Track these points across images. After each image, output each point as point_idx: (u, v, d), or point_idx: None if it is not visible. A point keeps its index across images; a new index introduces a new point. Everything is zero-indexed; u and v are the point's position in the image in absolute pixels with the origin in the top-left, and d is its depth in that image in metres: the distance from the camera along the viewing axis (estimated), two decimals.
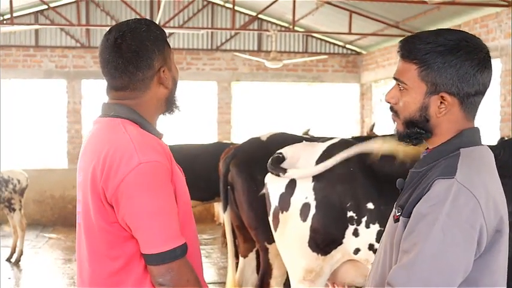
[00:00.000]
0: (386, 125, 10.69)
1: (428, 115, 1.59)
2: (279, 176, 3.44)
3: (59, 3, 10.77)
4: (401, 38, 1.68)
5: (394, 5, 8.70)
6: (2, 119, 10.61)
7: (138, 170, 1.69)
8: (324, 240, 3.34)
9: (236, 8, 10.04)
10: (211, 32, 11.52)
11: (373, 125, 9.19)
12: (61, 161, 11.19)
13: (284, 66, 10.73)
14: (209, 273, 6.90)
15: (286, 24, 11.42)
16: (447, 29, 1.63)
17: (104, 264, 1.79)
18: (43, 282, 6.83)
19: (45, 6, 10.16)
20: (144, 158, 1.71)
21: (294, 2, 9.09)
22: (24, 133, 11.18)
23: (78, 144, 10.50)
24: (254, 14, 10.87)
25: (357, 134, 11.52)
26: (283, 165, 3.50)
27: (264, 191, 3.69)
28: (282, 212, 3.47)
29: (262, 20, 11.44)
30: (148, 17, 10.74)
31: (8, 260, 7.63)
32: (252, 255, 4.55)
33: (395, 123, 1.67)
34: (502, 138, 6.16)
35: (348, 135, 4.23)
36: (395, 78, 1.66)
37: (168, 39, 1.93)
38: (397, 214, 1.62)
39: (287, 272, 3.69)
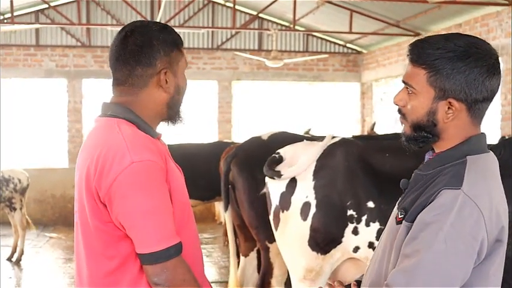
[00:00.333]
0: (386, 124, 10.70)
1: (436, 120, 1.61)
2: (273, 179, 3.46)
3: (60, 2, 10.76)
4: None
5: (395, 4, 8.69)
6: (2, 119, 10.61)
7: (130, 169, 1.69)
8: (324, 239, 3.34)
9: (237, 7, 10.04)
10: (212, 31, 11.51)
11: (374, 124, 9.19)
12: (62, 160, 11.19)
13: (285, 66, 10.73)
14: (210, 273, 6.90)
15: (287, 24, 11.41)
16: (457, 33, 1.63)
17: (100, 263, 1.79)
18: (44, 281, 6.83)
19: (46, 5, 10.17)
20: (137, 157, 1.71)
21: (295, 1, 9.09)
22: (25, 132, 11.18)
23: (79, 143, 10.50)
24: (255, 13, 10.87)
25: (358, 133, 11.52)
26: (283, 165, 3.50)
27: (264, 190, 3.69)
28: (283, 211, 3.47)
29: (262, 19, 11.44)
30: (148, 16, 10.77)
31: (9, 259, 7.63)
32: (253, 255, 4.56)
33: (403, 125, 1.69)
34: (502, 137, 6.15)
35: (348, 135, 4.23)
36: (404, 82, 1.66)
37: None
38: (400, 216, 1.64)
39: (288, 271, 3.70)
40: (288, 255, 3.53)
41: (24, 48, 10.96)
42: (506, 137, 5.38)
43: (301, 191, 3.39)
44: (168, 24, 2.57)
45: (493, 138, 6.48)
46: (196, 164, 7.17)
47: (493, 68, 1.58)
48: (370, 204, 3.27)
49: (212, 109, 11.65)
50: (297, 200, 3.40)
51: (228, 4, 11.32)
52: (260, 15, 10.47)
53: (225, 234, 7.47)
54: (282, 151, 3.59)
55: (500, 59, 1.64)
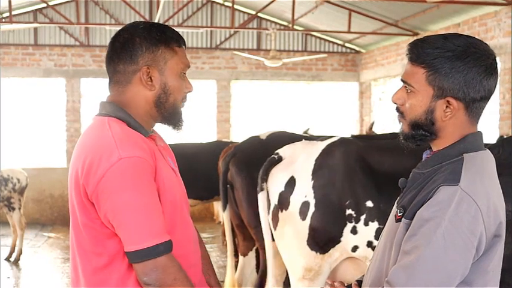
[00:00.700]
0: (385, 123, 10.70)
1: (434, 118, 1.62)
2: (262, 190, 3.53)
3: (58, 1, 10.75)
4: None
5: (394, 4, 8.70)
6: (1, 118, 10.60)
7: (118, 166, 1.68)
8: (323, 238, 3.34)
9: (235, 6, 10.04)
10: (211, 31, 11.51)
11: (372, 124, 9.21)
12: (60, 159, 11.18)
13: (283, 65, 10.73)
14: None
15: (286, 23, 11.41)
16: (455, 33, 1.65)
17: (90, 259, 1.78)
18: (42, 281, 6.83)
19: (44, 5, 10.16)
20: (125, 154, 1.69)
21: (294, 0, 9.09)
22: (24, 132, 11.17)
23: None
24: (253, 12, 10.87)
25: (356, 132, 11.53)
26: (281, 165, 3.51)
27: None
28: (282, 211, 3.47)
29: (261, 18, 11.44)
30: (147, 16, 10.76)
31: (7, 259, 7.63)
32: (252, 254, 4.56)
33: (401, 124, 1.70)
34: (501, 137, 6.15)
35: (347, 134, 4.23)
36: (402, 81, 1.68)
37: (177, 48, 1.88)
38: (399, 214, 1.65)
39: (287, 271, 3.70)
40: (287, 255, 3.53)
41: (22, 47, 10.95)
42: (505, 136, 5.38)
43: (300, 190, 3.39)
44: (167, 23, 2.56)
45: (491, 138, 6.48)
46: (195, 164, 7.17)
47: (490, 68, 1.61)
48: (369, 203, 3.27)
49: (211, 109, 11.64)
50: (296, 200, 3.40)
51: (226, 3, 11.32)
52: (259, 14, 10.46)
53: (224, 233, 7.47)
54: (281, 151, 3.59)
55: (498, 58, 1.66)
